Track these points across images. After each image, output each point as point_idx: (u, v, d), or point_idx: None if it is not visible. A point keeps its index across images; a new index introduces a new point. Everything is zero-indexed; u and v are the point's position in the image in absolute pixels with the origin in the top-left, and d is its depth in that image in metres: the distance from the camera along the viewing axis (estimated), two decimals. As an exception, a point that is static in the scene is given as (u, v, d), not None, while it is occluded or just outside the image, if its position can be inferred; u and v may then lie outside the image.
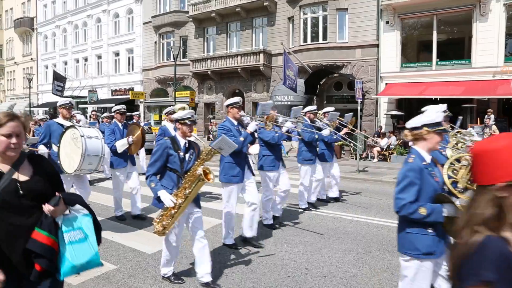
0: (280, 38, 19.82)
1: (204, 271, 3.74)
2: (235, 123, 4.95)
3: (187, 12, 23.81)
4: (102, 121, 10.84)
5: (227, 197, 4.90)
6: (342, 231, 5.70)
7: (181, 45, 23.41)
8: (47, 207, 1.95)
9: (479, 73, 14.99)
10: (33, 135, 10.31)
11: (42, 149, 5.22)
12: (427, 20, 16.73)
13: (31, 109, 31.37)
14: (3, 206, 1.88)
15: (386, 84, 17.19)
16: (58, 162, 4.63)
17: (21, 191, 1.92)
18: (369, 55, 17.69)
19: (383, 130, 16.09)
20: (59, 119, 5.44)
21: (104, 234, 5.46)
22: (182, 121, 3.72)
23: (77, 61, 32.96)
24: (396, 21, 16.90)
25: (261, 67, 20.47)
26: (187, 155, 3.73)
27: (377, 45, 17.47)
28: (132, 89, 27.31)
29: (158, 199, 3.60)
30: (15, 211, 1.91)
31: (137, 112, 11.54)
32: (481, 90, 14.35)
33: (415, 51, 18.31)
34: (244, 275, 4.07)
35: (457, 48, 16.71)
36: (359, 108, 14.99)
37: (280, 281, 3.92)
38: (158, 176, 3.71)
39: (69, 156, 4.65)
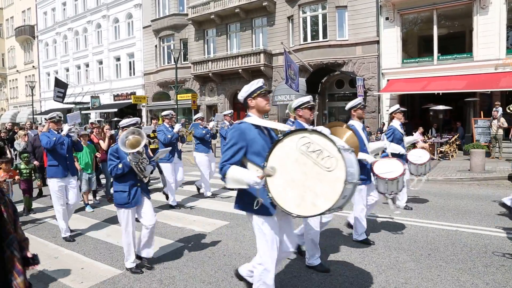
0: (280, 38, 19.81)
1: None
2: None
3: (187, 15, 23.85)
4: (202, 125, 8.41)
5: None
6: (346, 229, 5.67)
7: (182, 48, 23.43)
8: None
9: (481, 66, 14.90)
10: (110, 143, 8.05)
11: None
12: (427, 15, 16.66)
13: (34, 116, 31.52)
14: None
15: (388, 80, 17.13)
16: (268, 195, 2.70)
17: None
18: (369, 52, 17.64)
19: (386, 126, 16.03)
20: (253, 118, 3.02)
21: (110, 239, 5.49)
22: None
23: (79, 67, 33.10)
24: (396, 17, 16.84)
25: (262, 68, 20.46)
26: None
27: (378, 42, 17.42)
28: (134, 93, 27.40)
29: None
30: None
31: (169, 112, 7.86)
32: (483, 83, 14.26)
33: (416, 46, 18.25)
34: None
35: (458, 42, 16.63)
36: (361, 105, 14.88)
37: (286, 281, 3.90)
38: None
39: (298, 185, 2.63)
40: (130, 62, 28.80)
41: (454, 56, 15.94)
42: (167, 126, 7.49)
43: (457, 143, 14.90)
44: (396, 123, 6.29)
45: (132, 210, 4.25)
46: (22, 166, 7.63)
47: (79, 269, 4.44)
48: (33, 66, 37.70)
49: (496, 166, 11.21)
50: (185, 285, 3.89)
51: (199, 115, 8.89)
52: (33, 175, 7.99)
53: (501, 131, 13.11)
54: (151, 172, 4.41)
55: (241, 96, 3.11)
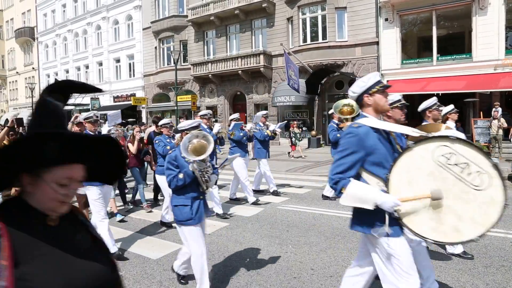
0: (279, 39, 19.83)
1: None
2: None
3: (186, 16, 23.88)
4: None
5: None
6: (347, 230, 5.66)
7: (181, 50, 23.47)
8: None
9: (481, 67, 14.92)
10: (140, 146, 7.47)
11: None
12: (426, 15, 16.68)
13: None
14: None
15: (387, 81, 17.13)
16: (395, 215, 2.27)
17: None
18: (369, 53, 17.66)
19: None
20: (371, 119, 2.46)
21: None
22: None
23: (78, 69, 33.12)
24: (395, 18, 16.86)
25: (261, 69, 20.47)
26: None
27: (377, 43, 17.43)
28: (133, 95, 27.41)
29: None
30: None
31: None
32: (483, 84, 14.28)
33: (415, 47, 18.26)
34: (250, 277, 4.05)
35: (457, 43, 16.64)
36: (361, 106, 14.92)
37: (286, 283, 3.90)
38: None
39: (433, 204, 2.20)
40: (129, 64, 28.81)
41: (454, 57, 15.96)
42: (205, 126, 6.72)
43: (457, 143, 14.90)
44: (451, 125, 5.88)
45: (197, 226, 3.56)
46: None
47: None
48: (33, 68, 37.71)
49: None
50: (185, 287, 3.89)
51: (235, 115, 7.95)
52: None
53: (501, 131, 13.11)
54: (216, 183, 3.91)
55: (354, 92, 2.55)
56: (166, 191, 5.88)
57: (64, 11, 34.03)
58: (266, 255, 4.73)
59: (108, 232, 4.75)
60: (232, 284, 3.90)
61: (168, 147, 5.66)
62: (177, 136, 4.43)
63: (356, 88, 2.52)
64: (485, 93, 14.61)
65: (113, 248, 4.77)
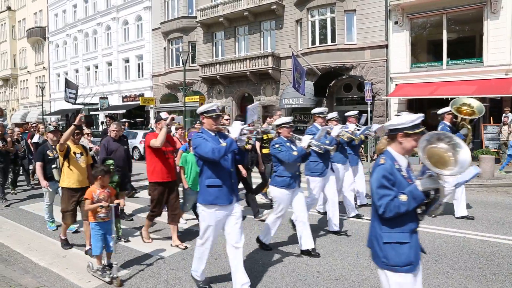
0: (288, 41, 19.83)
1: None
2: None
3: (195, 17, 23.99)
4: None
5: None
6: (354, 233, 5.64)
7: (190, 50, 23.55)
8: None
9: (491, 71, 14.76)
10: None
11: None
12: (437, 19, 16.56)
13: (44, 116, 31.91)
14: None
15: (396, 85, 17.04)
16: None
17: None
18: (378, 56, 17.58)
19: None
20: None
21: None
22: None
23: (88, 68, 33.45)
24: (405, 21, 16.77)
25: (270, 71, 20.48)
26: None
27: (386, 46, 17.34)
28: (142, 95, 27.59)
29: None
30: None
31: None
32: (493, 88, 14.12)
33: (425, 51, 18.12)
34: (256, 278, 4.06)
35: (468, 47, 16.47)
36: (369, 109, 14.90)
37: (291, 285, 3.90)
38: None
39: None
40: (138, 64, 29.02)
41: (464, 61, 15.81)
42: (320, 127, 5.38)
43: (466, 148, 14.74)
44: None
45: (415, 275, 2.45)
46: None
47: (87, 268, 4.47)
48: (44, 67, 38.19)
49: (506, 173, 11.08)
50: (191, 286, 3.91)
51: (353, 112, 6.19)
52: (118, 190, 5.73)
53: (511, 137, 12.94)
54: None
55: None
56: (301, 211, 4.79)
57: (75, 11, 34.43)
58: (272, 256, 4.73)
59: (202, 259, 3.83)
60: (237, 285, 3.90)
61: (295, 153, 4.49)
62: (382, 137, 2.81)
63: None
64: (495, 98, 14.45)
65: (200, 277, 3.88)
